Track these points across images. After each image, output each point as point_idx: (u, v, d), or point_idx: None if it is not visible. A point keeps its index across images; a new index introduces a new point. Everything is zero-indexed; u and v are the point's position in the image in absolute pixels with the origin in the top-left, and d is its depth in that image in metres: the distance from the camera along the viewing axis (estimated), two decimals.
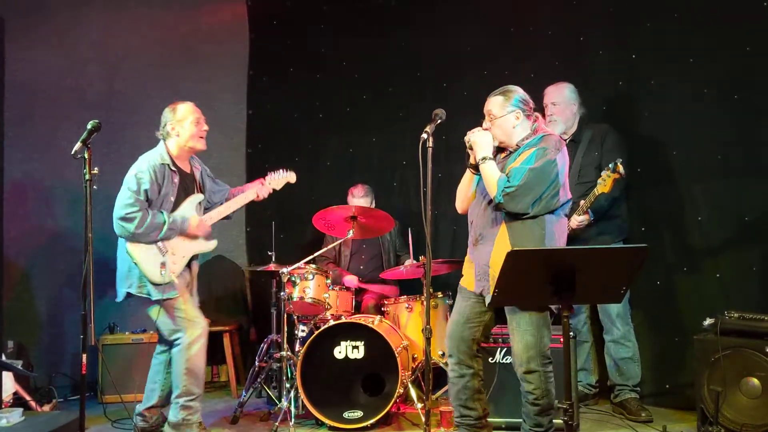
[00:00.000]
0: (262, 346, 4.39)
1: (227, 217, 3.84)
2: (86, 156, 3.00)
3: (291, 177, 3.94)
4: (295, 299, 4.03)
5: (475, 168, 3.16)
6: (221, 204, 3.82)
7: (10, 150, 4.44)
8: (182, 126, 3.61)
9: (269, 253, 4.34)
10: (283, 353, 4.07)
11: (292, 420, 3.79)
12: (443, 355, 4.03)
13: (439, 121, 3.06)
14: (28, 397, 4.16)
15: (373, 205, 4.75)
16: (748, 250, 3.95)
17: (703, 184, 4.10)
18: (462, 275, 3.26)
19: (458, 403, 3.20)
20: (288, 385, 3.97)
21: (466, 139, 3.15)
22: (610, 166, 3.52)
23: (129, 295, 3.53)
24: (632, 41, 4.36)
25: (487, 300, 3.06)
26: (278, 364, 4.14)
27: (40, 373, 4.68)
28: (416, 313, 4.25)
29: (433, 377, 3.22)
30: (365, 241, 4.80)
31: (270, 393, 4.26)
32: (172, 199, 3.59)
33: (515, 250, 2.42)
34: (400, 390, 3.82)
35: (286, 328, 4.11)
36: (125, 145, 4.86)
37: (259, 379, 4.23)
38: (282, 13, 5.43)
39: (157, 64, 5.27)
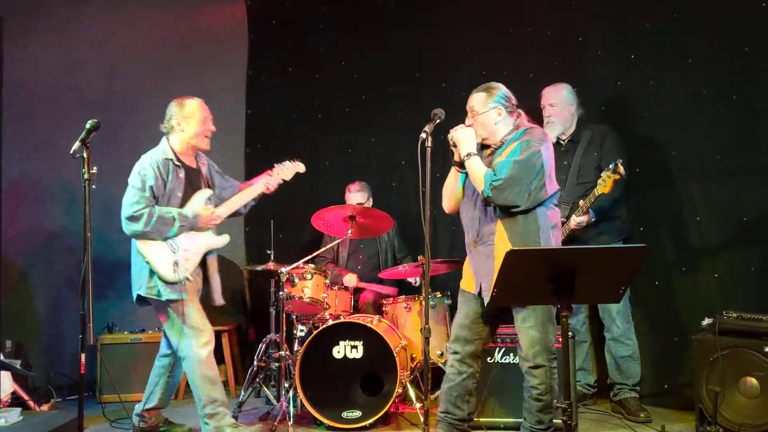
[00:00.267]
0: (260, 345, 4.39)
1: (238, 213, 3.78)
2: (85, 155, 2.99)
3: (300, 167, 3.84)
4: (293, 299, 4.03)
5: (460, 165, 3.15)
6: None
7: (8, 149, 4.45)
8: (188, 122, 3.54)
9: (268, 253, 4.32)
10: (282, 353, 4.06)
11: (291, 420, 3.78)
12: (442, 354, 4.03)
13: (438, 120, 3.06)
14: (26, 397, 4.15)
15: (371, 202, 4.75)
16: (747, 250, 3.96)
17: (702, 184, 4.10)
18: (462, 277, 3.25)
19: (447, 399, 3.19)
20: (287, 385, 3.97)
21: (449, 137, 3.14)
22: (611, 166, 3.51)
23: (140, 298, 3.46)
24: (631, 41, 4.35)
25: (486, 299, 3.06)
26: (277, 364, 4.15)
27: (39, 373, 4.68)
28: (415, 312, 4.24)
29: (431, 377, 3.21)
30: (363, 241, 4.79)
31: (269, 393, 4.25)
32: (180, 194, 3.51)
33: (514, 250, 2.42)
34: (398, 390, 3.82)
35: (284, 328, 4.11)
36: (124, 144, 4.85)
37: (257, 379, 4.22)
38: (281, 13, 5.42)
39: (157, 64, 5.25)
